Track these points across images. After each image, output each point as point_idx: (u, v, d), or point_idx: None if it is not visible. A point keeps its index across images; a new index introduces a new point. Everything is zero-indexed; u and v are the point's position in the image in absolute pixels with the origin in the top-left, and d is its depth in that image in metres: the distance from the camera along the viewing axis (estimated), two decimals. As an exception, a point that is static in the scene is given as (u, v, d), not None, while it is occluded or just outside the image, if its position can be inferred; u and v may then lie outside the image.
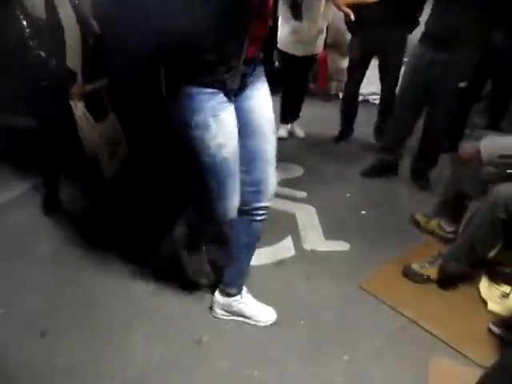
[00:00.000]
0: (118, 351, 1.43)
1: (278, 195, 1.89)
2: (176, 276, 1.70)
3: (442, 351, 1.45)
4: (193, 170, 1.23)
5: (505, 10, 2.10)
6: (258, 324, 1.54)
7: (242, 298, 1.54)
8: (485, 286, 1.73)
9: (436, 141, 2.53)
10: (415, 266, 1.77)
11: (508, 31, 2.64)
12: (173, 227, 1.61)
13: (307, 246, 2.00)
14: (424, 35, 2.31)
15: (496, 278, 1.73)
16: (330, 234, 2.09)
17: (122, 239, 2.00)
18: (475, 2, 2.01)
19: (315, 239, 2.06)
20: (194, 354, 1.42)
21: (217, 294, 1.55)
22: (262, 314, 1.55)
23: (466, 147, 1.62)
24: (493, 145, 1.51)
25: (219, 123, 1.12)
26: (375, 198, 2.49)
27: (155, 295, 1.68)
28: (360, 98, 3.46)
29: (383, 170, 2.73)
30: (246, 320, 1.55)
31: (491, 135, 1.61)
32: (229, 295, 1.52)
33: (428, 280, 1.74)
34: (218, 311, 1.56)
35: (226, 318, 1.56)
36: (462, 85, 2.26)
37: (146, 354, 1.42)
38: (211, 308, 1.58)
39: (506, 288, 1.67)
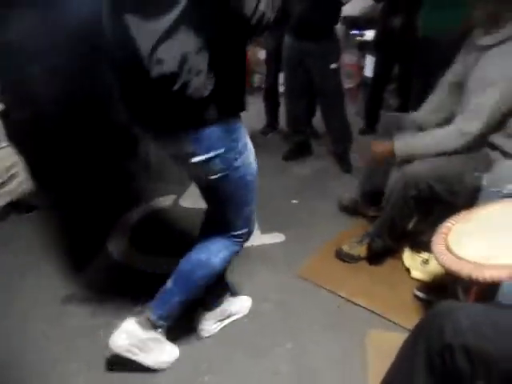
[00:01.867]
0: None
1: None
2: (115, 292, 1.66)
3: (377, 323, 1.57)
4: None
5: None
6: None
7: None
8: (407, 255, 1.89)
9: (335, 120, 2.75)
10: (345, 248, 1.88)
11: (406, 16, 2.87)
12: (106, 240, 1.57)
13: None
14: (289, 28, 2.58)
15: (416, 247, 1.89)
16: (265, 227, 2.14)
17: (51, 258, 1.92)
18: None
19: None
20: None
21: None
22: None
23: (379, 147, 1.75)
24: (405, 146, 1.66)
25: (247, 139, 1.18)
26: (305, 186, 2.60)
27: (95, 316, 1.62)
28: (282, 87, 3.55)
29: (299, 151, 2.99)
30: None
31: (404, 134, 1.76)
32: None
33: (358, 259, 1.86)
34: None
35: None
36: (334, 66, 2.56)
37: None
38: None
39: (425, 255, 1.84)
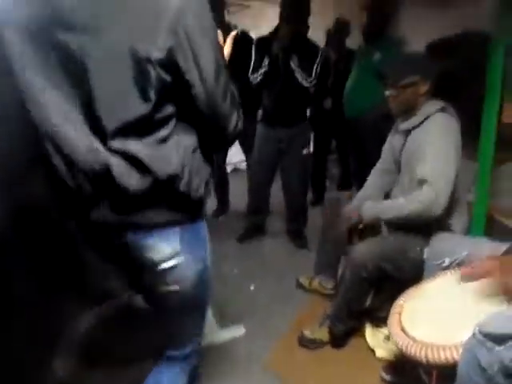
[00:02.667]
0: None
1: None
2: None
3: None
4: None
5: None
6: None
7: None
8: (370, 333, 1.88)
9: (298, 202, 2.82)
10: (307, 333, 1.85)
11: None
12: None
13: (203, 342, 1.94)
14: (263, 116, 2.67)
15: (377, 323, 1.90)
16: (223, 319, 2.07)
17: None
18: (289, 88, 2.48)
19: (210, 332, 2.01)
20: None
21: None
22: None
23: (348, 211, 1.82)
24: (373, 209, 1.71)
25: None
26: (262, 267, 2.58)
27: None
28: (230, 167, 3.66)
29: (254, 231, 2.99)
30: None
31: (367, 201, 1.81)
32: None
33: (322, 343, 1.83)
34: None
35: None
36: (305, 151, 2.66)
37: None
38: None
39: (386, 331, 1.83)
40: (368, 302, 1.86)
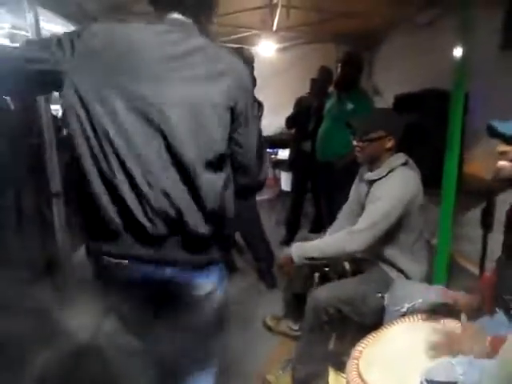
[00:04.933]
0: None
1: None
2: None
3: None
4: None
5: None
6: None
7: None
8: (332, 378, 1.87)
9: (258, 246, 2.87)
10: (271, 378, 1.83)
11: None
12: None
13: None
14: None
15: (339, 367, 1.89)
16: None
17: None
18: None
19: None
20: None
21: None
22: None
23: (282, 255, 1.84)
24: (300, 249, 1.75)
25: None
26: (231, 309, 2.55)
27: None
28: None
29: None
30: None
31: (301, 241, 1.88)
32: None
33: (284, 388, 1.81)
34: None
35: None
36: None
37: None
38: None
39: (349, 375, 1.83)
40: (331, 346, 1.87)
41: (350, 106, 2.77)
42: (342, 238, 1.72)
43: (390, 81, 3.67)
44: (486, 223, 2.57)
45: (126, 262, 1.05)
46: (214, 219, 1.06)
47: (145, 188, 0.99)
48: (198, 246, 1.07)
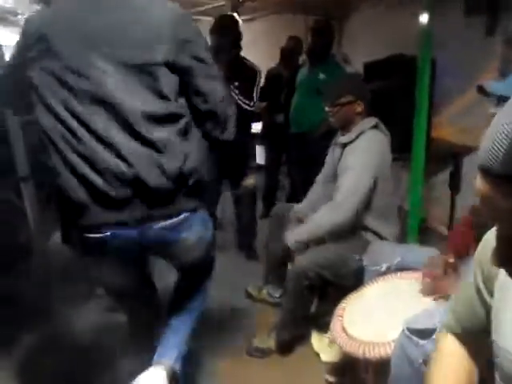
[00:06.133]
0: None
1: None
2: None
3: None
4: None
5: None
6: None
7: None
8: (315, 339, 1.96)
9: (247, 217, 2.89)
10: (255, 342, 1.89)
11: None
12: None
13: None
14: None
15: (322, 328, 1.97)
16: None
17: None
18: None
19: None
20: None
21: None
22: None
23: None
24: (293, 237, 1.79)
25: None
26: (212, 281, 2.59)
27: None
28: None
29: None
30: None
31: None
32: None
33: (269, 352, 1.87)
34: None
35: None
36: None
37: None
38: None
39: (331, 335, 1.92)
40: (313, 309, 1.94)
41: (322, 76, 2.77)
42: (326, 215, 1.75)
43: (360, 49, 3.68)
44: (454, 185, 2.69)
45: (104, 233, 1.09)
46: (177, 172, 1.09)
47: (100, 155, 1.04)
48: (166, 200, 1.11)
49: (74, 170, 1.04)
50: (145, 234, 1.11)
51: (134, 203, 1.08)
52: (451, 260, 1.42)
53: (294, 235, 1.81)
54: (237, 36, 2.51)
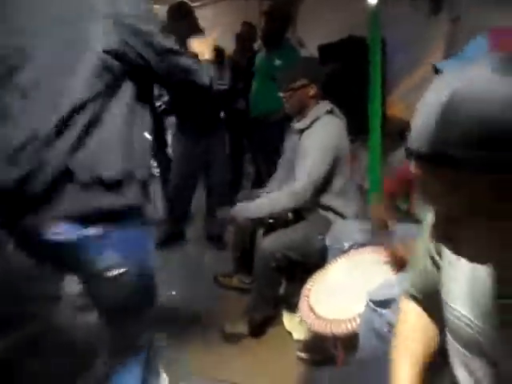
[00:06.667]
0: None
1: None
2: None
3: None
4: None
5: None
6: None
7: None
8: (286, 318, 2.01)
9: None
10: (228, 327, 1.92)
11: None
12: None
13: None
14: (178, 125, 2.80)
15: (292, 308, 2.03)
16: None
17: None
18: None
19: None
20: None
21: None
22: None
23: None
24: (240, 209, 1.82)
25: None
26: (182, 273, 2.59)
27: None
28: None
29: (174, 238, 2.95)
30: None
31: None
32: None
33: (242, 336, 1.91)
34: None
35: None
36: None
37: None
38: None
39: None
40: (282, 290, 1.99)
41: (277, 61, 2.78)
42: (283, 200, 1.78)
43: (314, 33, 3.71)
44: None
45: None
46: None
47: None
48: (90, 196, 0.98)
49: None
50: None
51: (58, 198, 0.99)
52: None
53: (244, 210, 1.81)
54: (194, 21, 2.52)
